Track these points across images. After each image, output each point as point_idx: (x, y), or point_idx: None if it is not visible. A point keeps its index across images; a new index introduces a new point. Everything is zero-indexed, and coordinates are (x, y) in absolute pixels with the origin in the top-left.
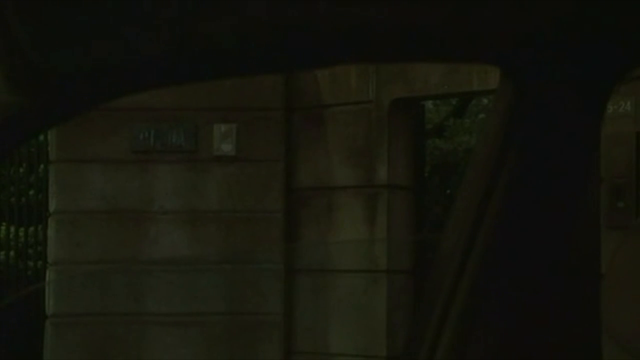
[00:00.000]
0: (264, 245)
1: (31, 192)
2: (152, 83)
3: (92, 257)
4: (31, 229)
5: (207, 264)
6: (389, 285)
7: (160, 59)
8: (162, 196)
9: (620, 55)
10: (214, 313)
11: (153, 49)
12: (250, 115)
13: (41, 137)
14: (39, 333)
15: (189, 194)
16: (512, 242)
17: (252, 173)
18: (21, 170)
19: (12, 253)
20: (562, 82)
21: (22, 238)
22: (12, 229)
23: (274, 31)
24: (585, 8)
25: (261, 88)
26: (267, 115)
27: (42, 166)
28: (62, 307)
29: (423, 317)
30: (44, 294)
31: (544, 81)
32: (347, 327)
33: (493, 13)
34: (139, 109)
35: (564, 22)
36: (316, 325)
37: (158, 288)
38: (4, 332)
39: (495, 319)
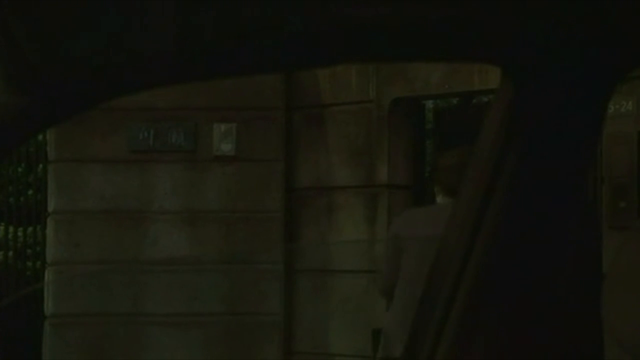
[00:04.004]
0: (264, 245)
1: (30, 192)
2: (152, 83)
3: (91, 257)
4: (30, 229)
5: (206, 264)
6: None
7: (160, 58)
8: (162, 196)
9: (622, 54)
10: (213, 313)
11: (153, 48)
12: (250, 115)
13: (40, 137)
14: (37, 334)
15: (188, 194)
16: (513, 242)
17: (252, 173)
18: (20, 170)
19: (10, 253)
20: (563, 81)
21: (21, 238)
22: (11, 229)
23: (274, 31)
24: (586, 8)
25: (261, 88)
26: (267, 115)
27: (40, 166)
28: (61, 308)
29: (423, 318)
30: (42, 294)
31: (544, 81)
32: (347, 327)
33: (493, 13)
34: (139, 108)
35: (564, 21)
36: (316, 325)
37: (157, 288)
38: (3, 333)
39: (495, 320)
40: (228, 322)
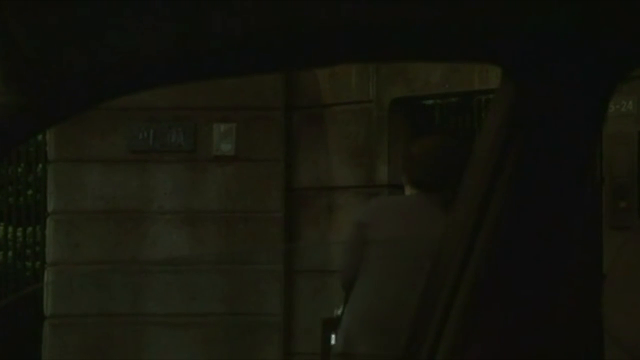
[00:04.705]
0: (263, 245)
1: (29, 192)
2: (152, 82)
3: (91, 258)
4: (29, 229)
5: (206, 264)
6: None
7: (159, 58)
8: (161, 196)
9: (622, 54)
10: (213, 314)
11: (152, 48)
12: (250, 115)
13: (39, 137)
14: (37, 334)
15: (188, 194)
16: (513, 242)
17: (252, 173)
18: (19, 169)
19: (10, 253)
20: (563, 81)
21: (20, 238)
22: (10, 229)
23: (274, 31)
24: (587, 7)
25: (261, 88)
26: (267, 115)
27: (40, 166)
28: (60, 308)
29: (424, 318)
30: (42, 294)
31: (545, 80)
32: None
33: (493, 12)
34: (138, 108)
35: (565, 21)
36: (316, 326)
37: (157, 288)
38: (2, 333)
39: (495, 320)
40: (228, 322)
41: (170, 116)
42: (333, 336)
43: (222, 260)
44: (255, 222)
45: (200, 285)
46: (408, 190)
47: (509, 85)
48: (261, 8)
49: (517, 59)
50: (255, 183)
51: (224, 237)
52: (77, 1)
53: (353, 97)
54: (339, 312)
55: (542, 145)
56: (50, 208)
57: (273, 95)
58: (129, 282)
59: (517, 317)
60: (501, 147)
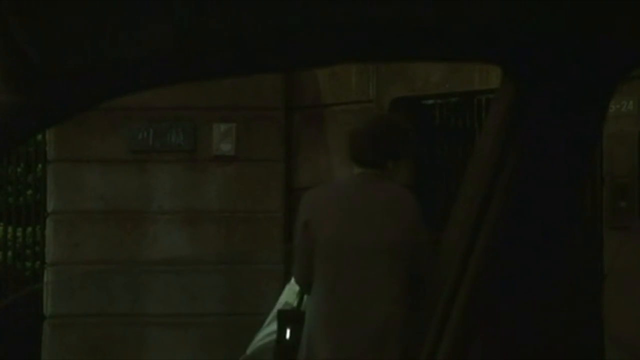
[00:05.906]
0: (263, 245)
1: (29, 192)
2: (151, 82)
3: (91, 258)
4: (29, 229)
5: (206, 264)
6: None
7: (158, 58)
8: (161, 196)
9: (622, 54)
10: (213, 314)
11: (152, 48)
12: (250, 115)
13: (39, 137)
14: (37, 334)
15: (188, 194)
16: (513, 242)
17: (252, 173)
18: (19, 169)
19: (10, 253)
20: (564, 81)
21: (20, 238)
22: (10, 229)
23: (274, 31)
24: (587, 7)
25: (261, 88)
26: (267, 115)
27: (40, 166)
28: (60, 308)
29: (424, 318)
30: (42, 294)
31: (545, 80)
32: None
33: (494, 12)
34: (138, 108)
35: (565, 21)
36: None
37: (157, 288)
38: (2, 334)
39: (496, 320)
40: (227, 322)
41: (170, 116)
42: (288, 330)
43: (222, 260)
44: (255, 222)
45: (200, 285)
46: (355, 170)
47: (509, 85)
48: (260, 8)
49: (517, 59)
50: (255, 183)
51: (224, 237)
52: (76, 2)
53: (353, 97)
54: (295, 304)
55: (542, 146)
56: (50, 208)
57: (273, 95)
58: (128, 282)
59: (518, 317)
60: (501, 147)
